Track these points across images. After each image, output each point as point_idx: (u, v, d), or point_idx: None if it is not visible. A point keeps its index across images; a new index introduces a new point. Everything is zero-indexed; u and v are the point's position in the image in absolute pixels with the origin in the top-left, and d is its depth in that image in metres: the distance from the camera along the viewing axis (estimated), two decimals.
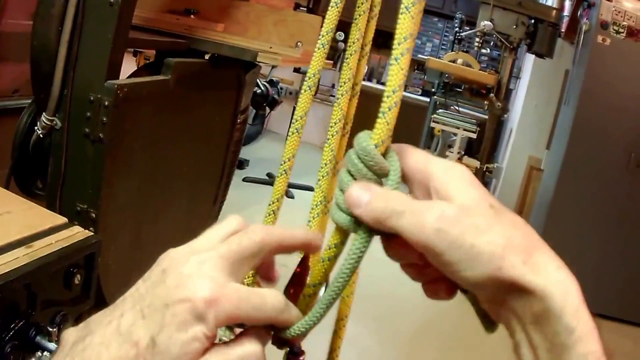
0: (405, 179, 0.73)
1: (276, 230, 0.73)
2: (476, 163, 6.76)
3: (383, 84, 9.39)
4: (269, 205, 0.91)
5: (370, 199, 0.68)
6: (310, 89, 0.84)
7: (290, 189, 6.97)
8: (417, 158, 0.73)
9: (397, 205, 0.66)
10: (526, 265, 0.62)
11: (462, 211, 0.64)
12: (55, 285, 1.35)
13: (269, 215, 0.92)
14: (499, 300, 0.66)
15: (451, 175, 0.69)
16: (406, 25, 0.71)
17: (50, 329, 1.26)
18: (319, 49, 0.84)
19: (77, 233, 1.43)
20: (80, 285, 1.41)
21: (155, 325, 0.63)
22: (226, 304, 0.64)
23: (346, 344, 1.00)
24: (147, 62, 2.98)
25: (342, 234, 0.73)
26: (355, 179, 0.71)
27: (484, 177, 6.87)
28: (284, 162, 0.89)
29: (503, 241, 0.62)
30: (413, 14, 0.70)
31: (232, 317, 0.65)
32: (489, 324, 0.72)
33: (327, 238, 0.75)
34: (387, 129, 0.71)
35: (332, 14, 0.83)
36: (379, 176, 0.71)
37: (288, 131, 0.90)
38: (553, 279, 0.63)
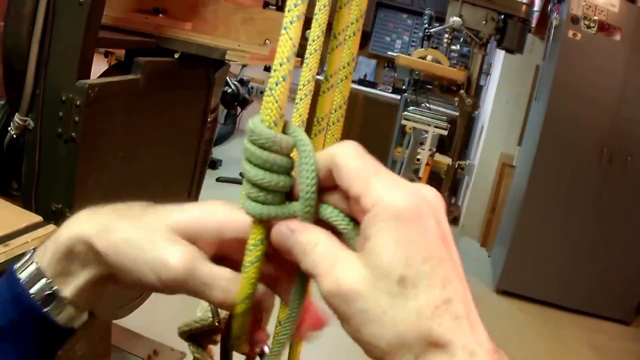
0: (337, 181, 0.62)
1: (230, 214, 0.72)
2: (448, 160, 6.79)
3: (354, 82, 9.30)
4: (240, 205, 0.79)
5: (294, 243, 0.63)
6: (284, 79, 0.75)
7: None
8: (356, 176, 0.61)
9: (310, 264, 0.61)
10: None
11: (359, 288, 0.57)
12: None
13: None
14: None
15: (383, 217, 0.58)
16: None
17: None
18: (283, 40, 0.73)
19: (53, 231, 1.44)
20: None
21: None
22: None
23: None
24: (118, 61, 2.98)
25: (263, 226, 0.67)
26: (256, 166, 0.65)
27: (456, 174, 6.90)
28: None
29: (389, 337, 0.57)
30: None
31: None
32: None
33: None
34: (276, 106, 0.64)
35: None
36: (286, 154, 0.65)
37: None
38: None
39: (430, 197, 0.62)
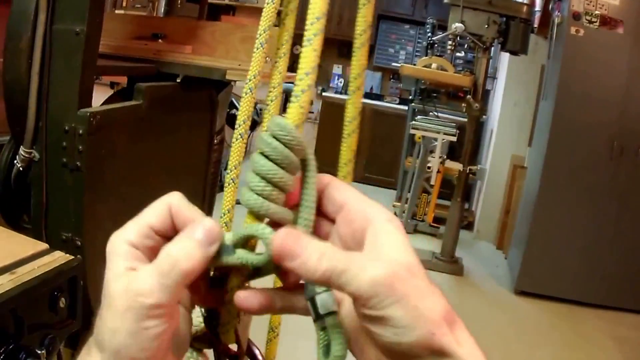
0: (329, 211, 0.71)
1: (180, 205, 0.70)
2: (459, 166, 6.79)
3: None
4: (221, 217, 0.81)
5: (306, 257, 0.63)
6: (251, 91, 0.80)
7: None
8: (354, 196, 0.70)
9: (338, 263, 0.63)
10: (452, 335, 0.62)
11: (409, 270, 0.63)
12: (40, 309, 1.37)
13: (223, 227, 0.81)
14: None
15: (392, 229, 0.67)
16: (318, 5, 0.70)
17: (39, 352, 1.28)
18: (257, 48, 0.81)
19: (59, 258, 1.46)
20: (65, 308, 1.44)
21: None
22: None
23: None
24: (120, 89, 2.99)
25: (257, 219, 0.69)
26: (271, 160, 0.68)
27: (468, 180, 6.90)
28: (231, 171, 0.81)
29: (441, 309, 0.63)
30: None
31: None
32: None
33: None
34: (300, 112, 0.69)
35: (268, 11, 0.80)
36: (299, 157, 0.69)
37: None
38: (473, 354, 0.63)
39: None
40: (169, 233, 0.68)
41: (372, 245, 0.65)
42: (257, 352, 0.79)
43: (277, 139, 0.67)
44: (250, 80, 0.80)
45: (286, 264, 0.64)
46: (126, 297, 0.63)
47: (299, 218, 0.69)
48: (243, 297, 0.69)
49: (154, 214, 0.69)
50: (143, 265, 0.65)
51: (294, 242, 0.64)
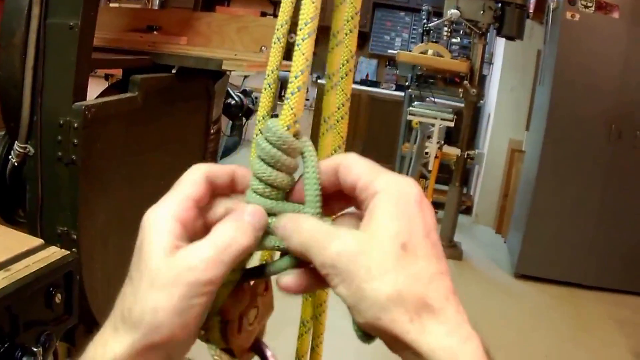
0: (350, 193, 0.69)
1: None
2: (457, 151, 6.80)
3: (356, 82, 9.36)
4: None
5: (292, 232, 0.67)
6: (270, 86, 0.81)
7: None
8: (364, 172, 0.67)
9: (309, 239, 0.65)
10: (412, 323, 0.59)
11: (362, 248, 0.62)
12: (36, 306, 1.37)
13: None
14: (389, 343, 0.63)
15: (389, 198, 0.64)
16: (308, 10, 0.72)
17: (35, 349, 1.28)
18: (274, 43, 0.80)
19: (54, 253, 1.45)
20: (61, 304, 1.43)
21: None
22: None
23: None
24: (115, 82, 2.99)
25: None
26: (268, 164, 0.70)
27: (466, 165, 6.90)
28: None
29: (389, 292, 0.59)
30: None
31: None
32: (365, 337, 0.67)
33: None
34: (291, 113, 0.71)
35: (286, 5, 0.79)
36: (293, 157, 0.71)
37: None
38: (440, 345, 0.58)
39: (428, 201, 0.67)
40: (204, 201, 0.70)
41: (367, 220, 0.65)
42: (268, 353, 0.77)
43: (269, 142, 0.70)
44: (268, 75, 0.81)
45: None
46: (175, 273, 0.63)
47: (304, 210, 0.71)
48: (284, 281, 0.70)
49: (191, 185, 0.69)
50: (186, 242, 0.66)
51: (286, 222, 0.68)
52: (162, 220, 0.66)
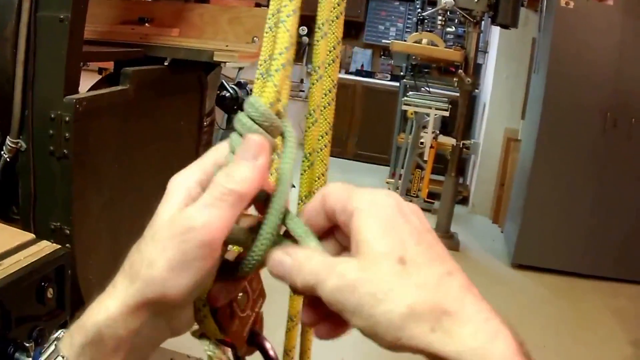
0: (332, 220, 0.67)
1: None
2: (452, 141, 6.78)
3: (351, 73, 9.36)
4: None
5: (288, 269, 0.64)
6: (262, 76, 0.77)
7: None
8: (339, 195, 0.66)
9: (309, 275, 0.62)
10: (435, 332, 0.56)
11: (359, 276, 0.59)
12: (28, 301, 1.36)
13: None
14: (422, 355, 0.59)
15: (369, 215, 0.62)
16: None
17: (28, 344, 1.27)
18: (266, 32, 0.78)
19: (45, 247, 1.45)
20: (54, 299, 1.43)
21: None
22: None
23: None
24: (107, 74, 2.98)
25: None
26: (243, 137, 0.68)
27: (462, 154, 6.89)
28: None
29: (401, 310, 0.57)
30: None
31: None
32: None
33: None
34: (274, 90, 0.69)
35: None
36: (274, 136, 0.69)
37: None
38: (468, 346, 0.56)
39: (409, 204, 0.66)
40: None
41: (355, 243, 0.62)
42: (268, 345, 0.77)
43: (250, 118, 0.67)
44: (261, 65, 0.79)
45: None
46: (173, 227, 0.64)
47: (274, 197, 0.68)
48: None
49: (217, 151, 0.70)
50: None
51: (279, 265, 0.65)
52: (182, 182, 0.67)
